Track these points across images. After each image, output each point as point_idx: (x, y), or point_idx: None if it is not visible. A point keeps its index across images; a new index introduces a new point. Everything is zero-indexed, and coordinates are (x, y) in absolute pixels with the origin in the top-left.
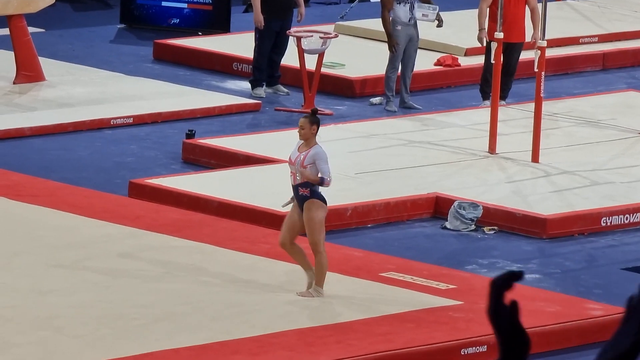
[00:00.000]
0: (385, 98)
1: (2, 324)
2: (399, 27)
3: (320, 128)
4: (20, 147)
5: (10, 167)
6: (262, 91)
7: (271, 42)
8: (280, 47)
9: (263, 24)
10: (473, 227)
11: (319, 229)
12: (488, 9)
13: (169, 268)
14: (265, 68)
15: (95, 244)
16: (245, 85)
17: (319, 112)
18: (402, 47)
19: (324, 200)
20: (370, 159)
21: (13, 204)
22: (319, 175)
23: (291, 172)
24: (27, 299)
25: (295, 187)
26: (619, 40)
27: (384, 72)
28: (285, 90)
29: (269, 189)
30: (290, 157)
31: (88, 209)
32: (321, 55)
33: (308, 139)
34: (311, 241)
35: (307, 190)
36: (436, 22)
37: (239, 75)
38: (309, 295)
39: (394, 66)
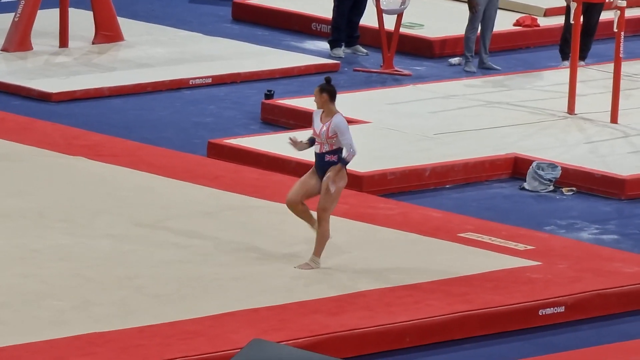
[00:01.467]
0: (465, 59)
1: (83, 283)
2: None
3: (404, 88)
4: (99, 107)
5: (90, 127)
6: (341, 51)
7: (350, 2)
8: (359, 8)
9: None
10: (551, 187)
11: (334, 197)
12: None
13: (248, 228)
14: (344, 28)
15: (175, 204)
16: (324, 45)
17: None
18: (482, 7)
19: (345, 170)
20: (449, 120)
21: (93, 164)
22: (343, 153)
23: (317, 141)
24: (107, 258)
25: (322, 155)
26: None
27: (463, 33)
28: (364, 50)
29: None
30: (314, 128)
31: (167, 169)
32: (400, 16)
33: (324, 108)
34: (321, 206)
35: (335, 157)
36: None
37: (317, 35)
38: (307, 267)
39: (474, 27)
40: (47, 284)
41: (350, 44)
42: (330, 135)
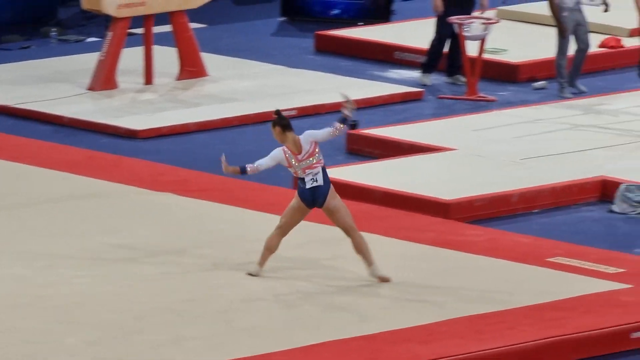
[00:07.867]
0: (559, 85)
1: (173, 318)
2: (566, 13)
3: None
4: (186, 143)
5: (177, 163)
6: (428, 79)
7: (450, 30)
8: (456, 38)
9: (440, 9)
10: None
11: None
12: None
13: (337, 259)
14: (439, 57)
15: (265, 236)
16: (408, 73)
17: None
18: (570, 32)
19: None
20: (536, 144)
21: (182, 200)
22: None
23: (306, 171)
24: (199, 292)
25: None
26: None
27: (546, 57)
28: (464, 79)
29: (433, 177)
30: (292, 164)
31: (255, 202)
32: (483, 41)
33: (284, 140)
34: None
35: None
36: (603, 7)
37: (400, 64)
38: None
39: (563, 52)
40: (140, 320)
41: (452, 73)
42: (314, 149)
